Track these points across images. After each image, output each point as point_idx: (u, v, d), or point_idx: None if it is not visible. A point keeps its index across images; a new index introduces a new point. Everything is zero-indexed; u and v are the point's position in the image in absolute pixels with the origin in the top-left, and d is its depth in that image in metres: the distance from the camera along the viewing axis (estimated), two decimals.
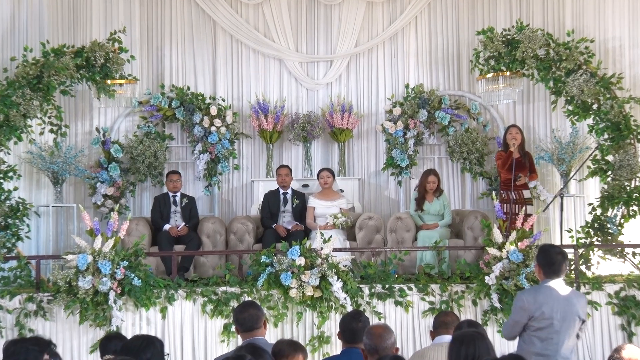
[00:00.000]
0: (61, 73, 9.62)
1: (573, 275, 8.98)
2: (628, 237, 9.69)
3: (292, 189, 10.56)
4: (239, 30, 11.60)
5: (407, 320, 8.82)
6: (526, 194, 9.95)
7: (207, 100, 11.45)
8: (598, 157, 9.94)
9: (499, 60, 10.10)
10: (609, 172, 9.86)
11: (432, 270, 9.26)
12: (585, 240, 9.44)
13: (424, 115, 11.12)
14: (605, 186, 9.94)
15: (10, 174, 9.77)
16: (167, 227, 10.23)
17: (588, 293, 8.77)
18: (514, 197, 9.76)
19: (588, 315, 8.67)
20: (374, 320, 8.45)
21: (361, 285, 8.85)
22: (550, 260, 5.86)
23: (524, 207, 9.47)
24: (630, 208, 9.68)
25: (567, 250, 9.26)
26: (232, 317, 8.63)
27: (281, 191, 10.51)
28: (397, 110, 11.21)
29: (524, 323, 5.82)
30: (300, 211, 10.41)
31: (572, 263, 9.10)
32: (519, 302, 5.85)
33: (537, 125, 11.38)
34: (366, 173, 11.71)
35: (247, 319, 5.28)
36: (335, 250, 8.90)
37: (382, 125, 11.32)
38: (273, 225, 10.20)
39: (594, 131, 9.95)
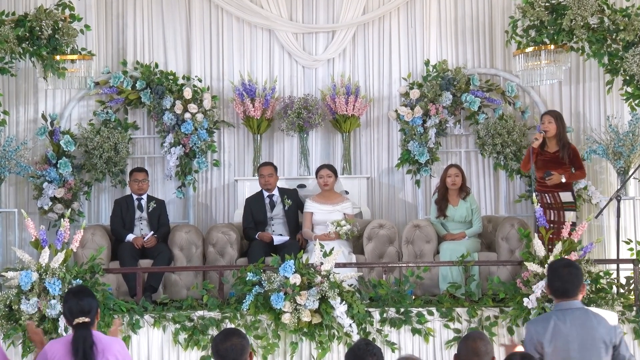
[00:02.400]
0: None
1: (632, 297, 8.99)
2: None
3: (278, 188, 10.59)
4: None
5: (427, 353, 8.85)
6: (564, 196, 9.81)
7: (180, 81, 11.48)
8: None
9: (541, 31, 10.12)
10: None
11: (457, 291, 9.28)
12: None
13: (448, 99, 11.15)
14: None
15: None
16: (130, 237, 10.25)
17: None
18: (549, 201, 9.70)
19: None
20: (386, 353, 8.48)
21: (370, 309, 8.87)
22: (557, 277, 5.88)
23: (559, 214, 9.49)
24: None
25: (625, 265, 9.48)
26: (210, 349, 8.67)
27: (265, 194, 10.54)
28: (415, 93, 11.24)
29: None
30: (296, 213, 10.45)
31: (631, 282, 9.13)
32: (528, 335, 5.88)
33: (587, 112, 11.40)
34: (376, 171, 11.75)
35: (229, 351, 5.29)
36: (338, 265, 8.92)
37: (396, 111, 11.35)
38: (257, 236, 10.24)
39: None
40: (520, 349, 5.94)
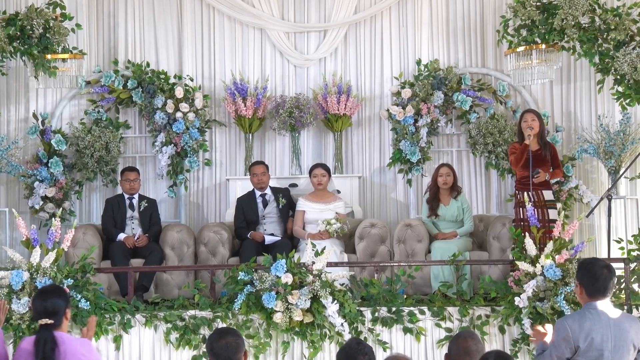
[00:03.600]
0: None
1: (623, 296, 9.02)
2: None
3: (270, 187, 10.59)
4: None
5: (418, 352, 8.86)
6: (547, 194, 9.78)
7: (172, 80, 11.47)
8: None
9: (533, 30, 10.13)
10: None
11: (449, 290, 9.29)
12: (639, 253, 9.47)
13: (440, 98, 11.16)
14: None
15: None
16: (121, 236, 10.25)
17: None
18: (532, 199, 9.67)
19: None
20: (377, 352, 8.49)
21: (362, 309, 8.88)
22: (595, 276, 5.88)
23: (543, 211, 9.49)
24: None
25: (616, 264, 9.45)
26: (202, 348, 8.66)
27: (258, 193, 10.54)
28: (407, 92, 11.25)
29: (567, 358, 5.83)
30: (289, 212, 10.47)
31: (622, 280, 9.15)
32: (561, 332, 5.85)
33: (579, 111, 11.42)
34: (368, 170, 11.75)
35: (224, 349, 5.30)
36: (330, 265, 8.93)
37: (387, 110, 11.36)
38: (249, 235, 10.24)
39: None
40: (549, 337, 5.97)
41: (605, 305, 5.87)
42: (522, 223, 9.50)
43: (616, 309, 5.95)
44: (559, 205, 9.96)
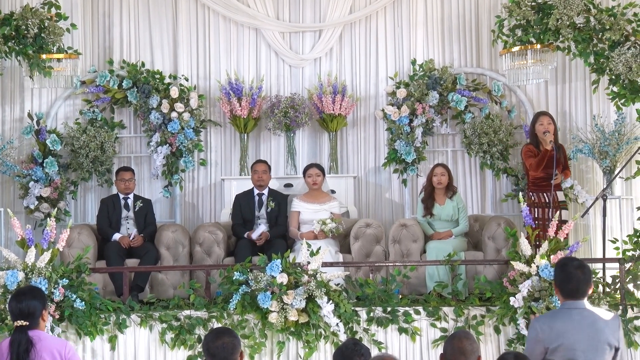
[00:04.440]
0: None
1: (618, 296, 9.03)
2: None
3: (269, 188, 10.59)
4: None
5: (413, 352, 8.85)
6: (560, 196, 9.95)
7: (167, 80, 11.46)
8: None
9: (528, 30, 10.13)
10: None
11: (444, 290, 9.29)
12: (634, 253, 9.47)
13: (435, 98, 11.17)
14: None
15: None
16: (117, 236, 10.24)
17: (637, 317, 8.82)
18: (546, 200, 9.77)
19: (635, 345, 8.74)
20: (373, 352, 8.47)
21: (357, 309, 8.87)
22: (568, 277, 5.89)
23: (557, 212, 9.51)
24: None
25: (611, 264, 9.50)
26: (198, 348, 8.66)
27: (256, 192, 10.54)
28: (402, 92, 11.25)
29: (540, 358, 5.83)
30: (277, 217, 10.44)
31: (617, 281, 9.16)
32: (532, 332, 5.87)
33: (574, 111, 11.43)
34: (363, 170, 11.76)
35: (220, 349, 5.31)
36: (325, 265, 8.92)
37: (382, 110, 11.36)
38: (245, 235, 10.23)
39: None
40: None
41: (580, 304, 5.86)
42: (537, 222, 9.50)
43: (592, 308, 5.94)
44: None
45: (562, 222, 9.26)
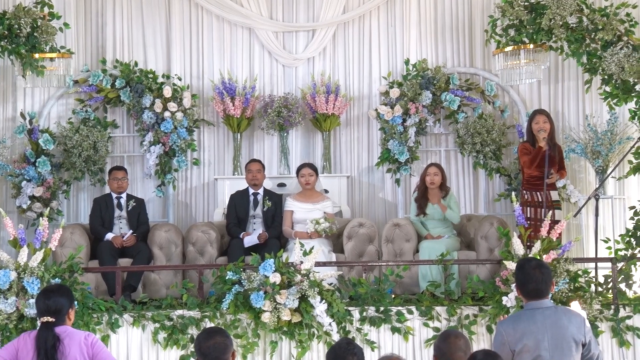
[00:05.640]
0: None
1: (610, 296, 9.04)
2: None
3: (264, 188, 10.58)
4: None
5: (406, 351, 8.86)
6: (554, 195, 9.95)
7: (160, 79, 11.45)
8: None
9: (521, 30, 10.14)
10: None
11: (437, 290, 9.30)
12: (626, 252, 9.49)
13: (428, 98, 11.17)
14: None
15: None
16: (109, 236, 10.23)
17: (629, 317, 8.84)
18: (539, 199, 9.76)
19: (627, 345, 8.76)
20: (365, 351, 8.48)
21: (350, 308, 8.88)
22: (527, 277, 5.88)
23: (550, 212, 9.52)
24: None
25: (603, 263, 9.52)
26: (190, 348, 8.65)
27: (251, 191, 10.54)
28: (395, 92, 11.26)
29: None
30: (273, 217, 10.44)
31: (609, 280, 9.18)
32: (497, 337, 5.86)
33: (566, 111, 11.45)
34: (356, 169, 11.76)
35: (212, 349, 5.30)
36: (318, 264, 8.92)
37: (376, 110, 11.36)
38: (240, 235, 10.22)
39: (636, 118, 10.01)
40: None
41: (541, 304, 5.86)
42: (530, 222, 9.50)
43: (554, 307, 5.94)
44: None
45: (554, 222, 9.28)
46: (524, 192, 9.99)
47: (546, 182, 9.62)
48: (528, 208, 9.83)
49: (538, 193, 9.83)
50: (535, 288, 5.85)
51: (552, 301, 5.97)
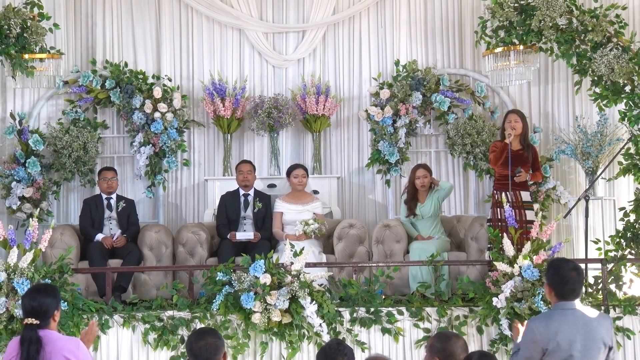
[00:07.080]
0: None
1: (600, 297, 9.06)
2: None
3: (255, 189, 10.58)
4: None
5: (396, 352, 8.86)
6: (525, 195, 9.77)
7: (150, 80, 11.43)
8: (632, 150, 10.01)
9: (511, 31, 10.16)
10: None
11: (427, 291, 9.30)
12: (616, 253, 9.52)
13: (418, 99, 11.18)
14: None
15: None
16: (99, 237, 10.21)
17: (619, 318, 8.85)
18: (510, 199, 9.62)
19: (618, 345, 8.77)
20: (356, 352, 8.48)
21: (340, 309, 8.88)
22: (564, 278, 5.89)
23: (520, 212, 9.50)
24: None
25: (593, 264, 9.54)
26: (180, 348, 8.64)
27: (241, 192, 10.53)
28: (385, 93, 11.26)
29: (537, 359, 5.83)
30: (264, 218, 10.43)
31: (599, 281, 9.19)
32: (529, 334, 5.84)
33: (556, 112, 11.47)
34: (346, 170, 11.76)
35: (203, 350, 5.30)
36: (308, 265, 8.92)
37: (366, 111, 11.37)
38: (228, 235, 10.22)
39: (626, 119, 10.03)
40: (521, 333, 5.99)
41: (574, 305, 5.87)
42: (499, 223, 9.50)
43: (586, 308, 5.95)
44: (536, 206, 9.93)
45: (527, 222, 9.29)
46: (495, 192, 9.88)
47: (514, 180, 9.53)
48: (497, 209, 9.70)
49: (506, 193, 9.66)
50: (572, 289, 5.86)
51: (581, 303, 5.97)
